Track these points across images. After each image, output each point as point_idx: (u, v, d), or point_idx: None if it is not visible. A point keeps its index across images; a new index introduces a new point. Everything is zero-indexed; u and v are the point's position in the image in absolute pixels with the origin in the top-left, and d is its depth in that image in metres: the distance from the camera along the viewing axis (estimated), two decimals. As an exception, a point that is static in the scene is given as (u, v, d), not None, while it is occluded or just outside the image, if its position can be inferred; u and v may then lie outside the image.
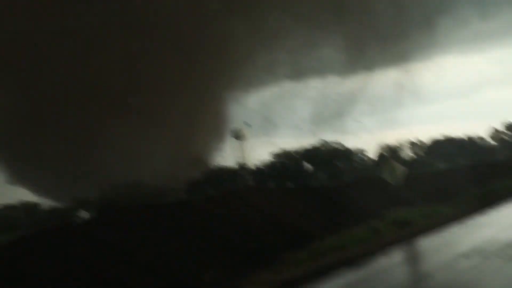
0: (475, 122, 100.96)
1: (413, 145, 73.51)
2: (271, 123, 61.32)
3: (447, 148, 72.94)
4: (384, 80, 68.76)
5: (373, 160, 68.19)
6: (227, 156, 63.18)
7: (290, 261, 20.94)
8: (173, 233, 21.93)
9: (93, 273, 17.28)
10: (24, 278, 16.49)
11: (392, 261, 22.13)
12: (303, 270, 20.04)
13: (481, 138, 77.87)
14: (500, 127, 78.35)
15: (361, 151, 68.36)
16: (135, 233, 20.94)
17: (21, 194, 54.80)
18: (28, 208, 52.76)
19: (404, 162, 52.75)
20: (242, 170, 62.70)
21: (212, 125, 62.30)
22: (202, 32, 54.68)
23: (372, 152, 68.92)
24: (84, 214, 48.59)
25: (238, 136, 62.48)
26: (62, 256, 17.80)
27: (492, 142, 78.48)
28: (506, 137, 78.17)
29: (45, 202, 55.30)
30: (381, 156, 67.75)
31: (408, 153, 72.40)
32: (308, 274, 19.72)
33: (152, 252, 19.82)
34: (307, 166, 66.75)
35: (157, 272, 18.57)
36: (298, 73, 62.10)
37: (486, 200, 35.96)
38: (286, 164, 65.34)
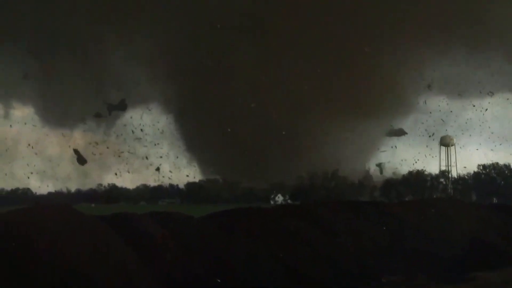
0: None
1: None
2: (483, 134, 57.73)
3: None
4: None
5: None
6: (431, 161, 60.98)
7: (479, 282, 19.47)
8: (359, 231, 21.67)
9: (270, 255, 17.66)
10: (211, 250, 17.37)
11: None
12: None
13: None
14: None
15: None
16: (319, 224, 21.07)
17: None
18: (229, 184, 55.84)
19: None
20: (443, 178, 59.99)
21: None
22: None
23: None
24: (278, 198, 50.11)
25: (445, 143, 60.03)
26: (248, 235, 18.48)
27: None
28: None
29: (244, 181, 57.91)
30: None
31: None
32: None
33: (330, 245, 19.78)
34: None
35: (332, 265, 18.49)
36: None
37: None
38: (493, 177, 61.12)
